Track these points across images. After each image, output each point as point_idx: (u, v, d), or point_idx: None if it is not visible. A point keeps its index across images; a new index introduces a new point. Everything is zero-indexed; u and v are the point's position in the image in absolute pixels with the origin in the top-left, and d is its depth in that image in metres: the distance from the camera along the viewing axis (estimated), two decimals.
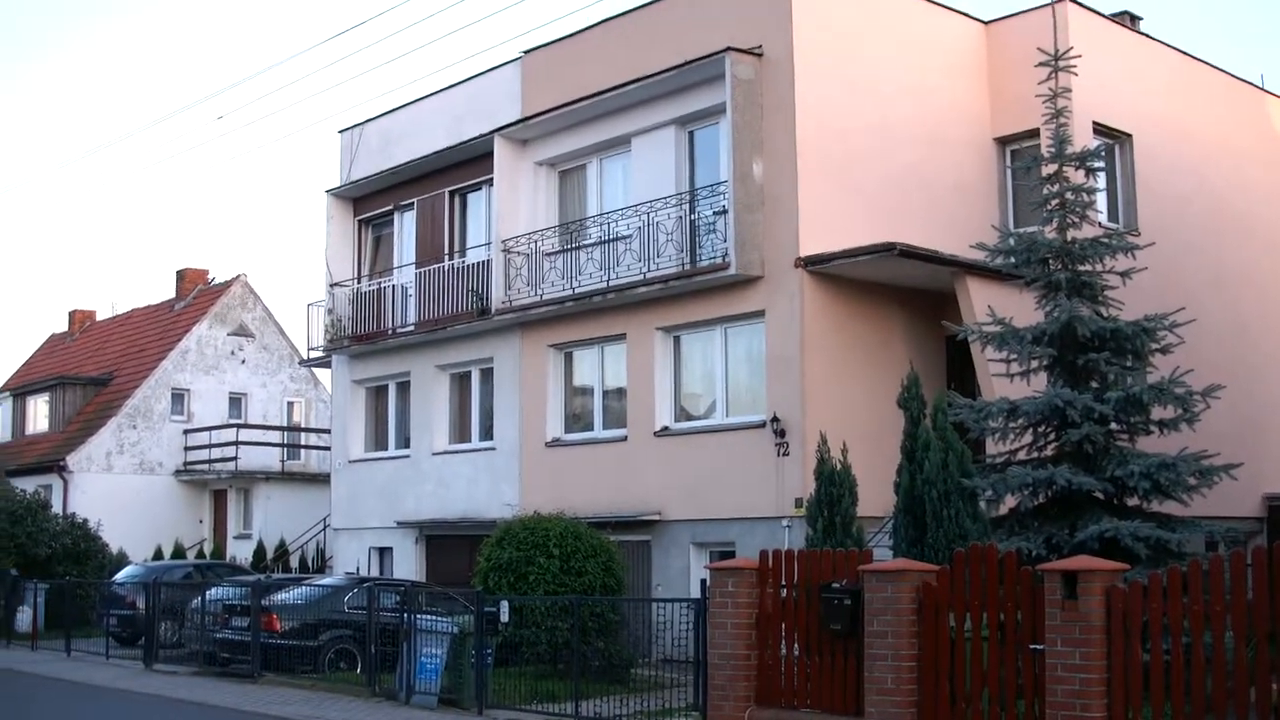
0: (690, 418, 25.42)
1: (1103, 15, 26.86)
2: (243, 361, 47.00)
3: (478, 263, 29.23)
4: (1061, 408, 17.44)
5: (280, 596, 23.93)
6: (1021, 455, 18.46)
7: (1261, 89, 30.66)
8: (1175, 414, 18.02)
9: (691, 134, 25.76)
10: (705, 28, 24.78)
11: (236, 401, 46.57)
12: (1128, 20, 28.71)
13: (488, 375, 29.37)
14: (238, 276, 47.93)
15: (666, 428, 25.16)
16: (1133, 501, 17.83)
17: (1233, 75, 29.87)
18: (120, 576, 31.30)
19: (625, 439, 25.80)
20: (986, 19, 26.93)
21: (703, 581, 16.72)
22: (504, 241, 27.85)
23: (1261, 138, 30.31)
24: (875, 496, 19.68)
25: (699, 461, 24.27)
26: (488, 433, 29.27)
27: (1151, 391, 17.69)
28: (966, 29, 26.54)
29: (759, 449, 22.97)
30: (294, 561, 38.78)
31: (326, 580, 26.75)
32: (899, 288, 24.03)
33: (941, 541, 16.94)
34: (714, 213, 24.32)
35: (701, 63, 24.19)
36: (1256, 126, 30.25)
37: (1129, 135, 26.41)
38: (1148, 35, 28.50)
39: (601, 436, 26.62)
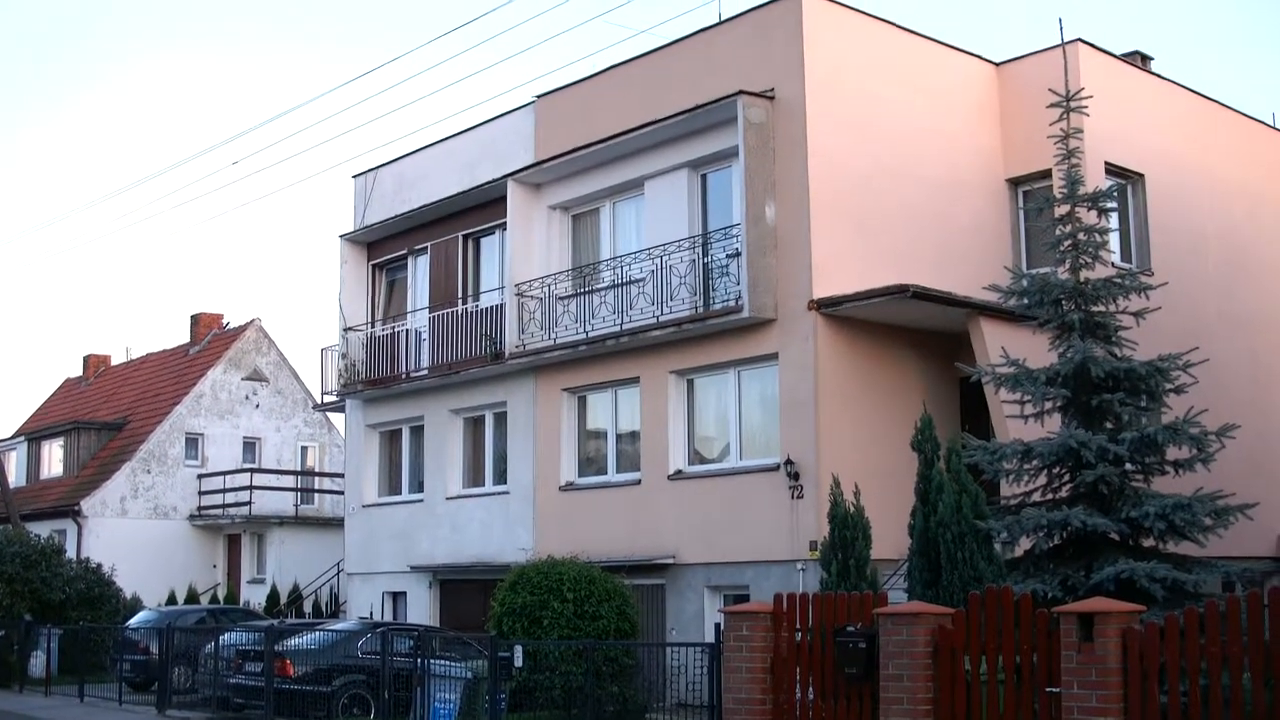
0: (704, 461, 25.37)
1: (1114, 55, 26.92)
2: (257, 406, 47.08)
3: (491, 306, 29.26)
4: (1076, 449, 17.38)
5: (293, 642, 23.85)
6: (1036, 497, 18.40)
7: (1275, 129, 30.66)
8: (1190, 454, 17.98)
9: (704, 177, 25.80)
10: (717, 71, 24.86)
11: (250, 446, 46.62)
12: (1139, 60, 28.74)
13: (501, 419, 29.36)
14: (252, 321, 48.08)
15: (680, 471, 25.10)
16: (1148, 542, 17.77)
17: (1245, 115, 29.88)
18: (134, 621, 31.24)
19: (639, 482, 25.74)
20: (998, 60, 26.96)
21: (717, 625, 16.65)
22: (517, 285, 27.89)
23: (1276, 177, 30.29)
24: (890, 539, 19.61)
25: (713, 505, 24.21)
26: (501, 476, 29.24)
27: (1166, 432, 17.63)
28: (978, 70, 26.60)
29: (773, 492, 22.91)
30: (307, 606, 38.70)
31: (340, 625, 26.67)
32: (912, 329, 24.00)
33: (956, 584, 16.86)
34: (727, 255, 24.34)
35: (714, 106, 24.26)
36: (1271, 166, 30.23)
37: (1141, 175, 26.41)
38: (1159, 75, 28.54)
39: (615, 480, 26.56)
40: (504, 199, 28.52)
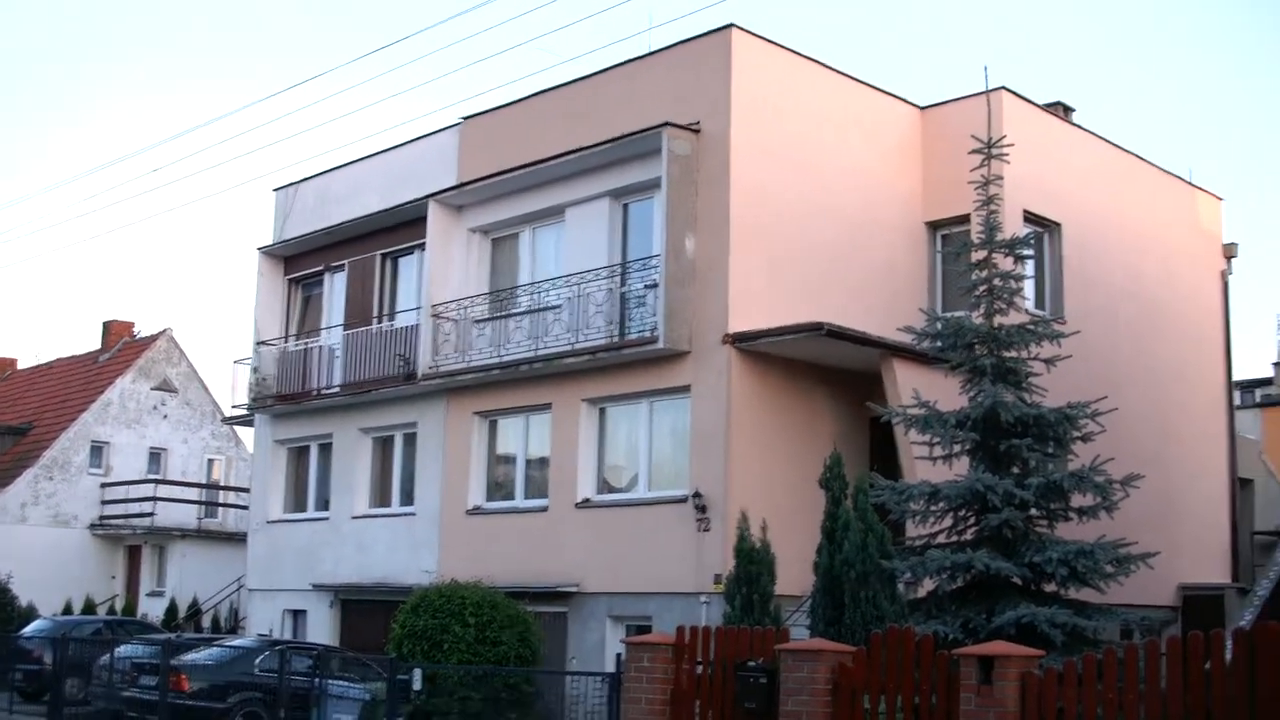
0: (612, 490, 25.29)
1: (1037, 105, 27.21)
2: (165, 417, 46.48)
3: (406, 327, 29.06)
4: (982, 492, 17.49)
5: (190, 656, 23.53)
6: (942, 539, 18.49)
7: (1190, 184, 31.10)
8: (1095, 502, 18.14)
9: (626, 206, 25.77)
10: (644, 102, 24.88)
11: (156, 456, 46.01)
12: (1061, 111, 29.08)
13: (411, 440, 29.15)
14: (164, 331, 47.51)
15: (588, 499, 25.01)
16: (1050, 588, 17.89)
17: (1162, 169, 30.29)
18: (28, 630, 30.67)
19: (546, 509, 25.61)
20: (923, 104, 27.18)
21: (618, 655, 16.57)
22: (433, 306, 27.71)
23: (1189, 231, 30.75)
24: (795, 575, 19.61)
25: (619, 534, 24.14)
26: (408, 498, 29.01)
27: (1072, 479, 17.79)
28: (902, 113, 26.80)
29: (680, 524, 22.86)
30: (206, 621, 38.19)
31: (238, 641, 26.32)
32: (826, 367, 24.08)
33: (859, 622, 16.88)
34: (645, 286, 24.32)
35: (639, 136, 24.25)
36: (1184, 220, 30.69)
37: (1058, 224, 26.68)
38: (1080, 126, 28.87)
39: (523, 506, 26.41)
40: (424, 219, 28.35)
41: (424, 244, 28.47)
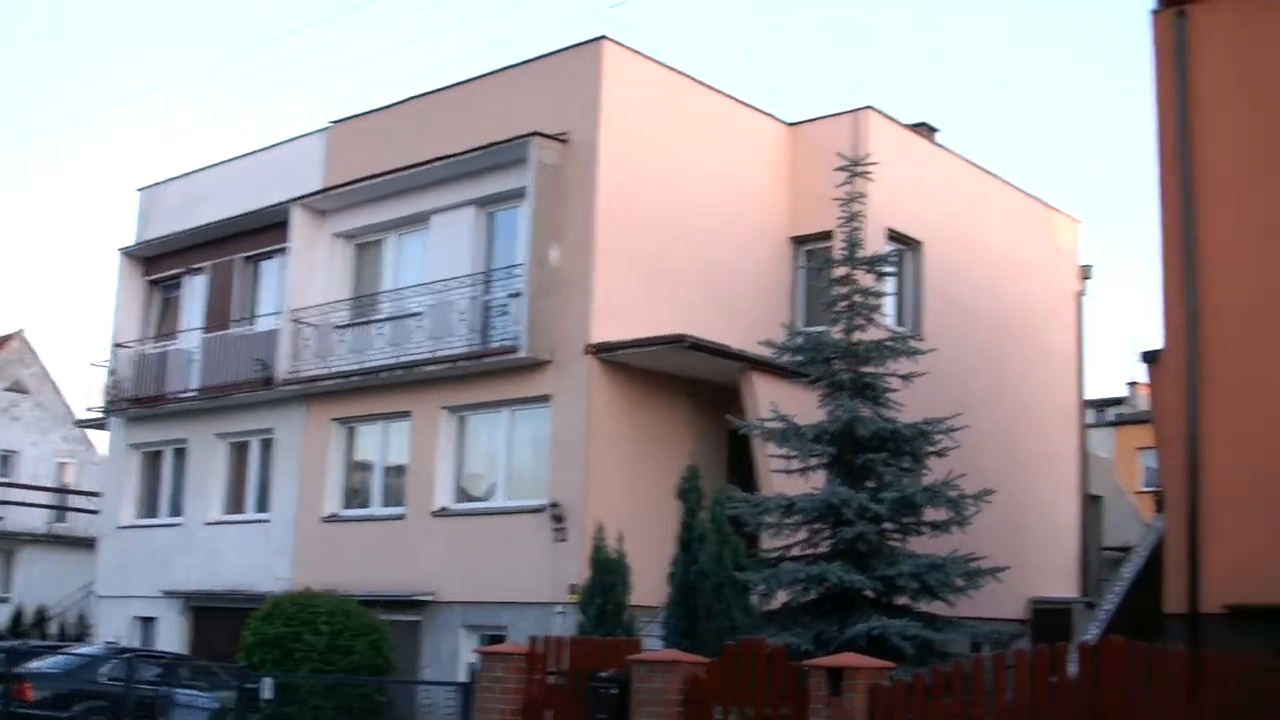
0: (470, 499, 25.16)
1: (902, 125, 27.53)
2: (16, 418, 45.50)
3: (266, 332, 28.68)
4: (837, 506, 17.60)
5: (34, 664, 22.98)
6: (796, 551, 18.57)
7: (1049, 206, 31.64)
8: (948, 516, 18.32)
9: (492, 215, 25.67)
10: (513, 111, 24.79)
11: (6, 459, 45.07)
12: (925, 131, 29.47)
13: (268, 446, 28.76)
14: (17, 331, 46.53)
15: (445, 508, 24.85)
16: (902, 601, 18.03)
17: (1022, 191, 30.78)
18: None
19: (403, 517, 25.42)
20: (791, 121, 27.38)
21: (471, 665, 16.45)
22: (294, 311, 27.39)
23: (1046, 252, 31.27)
24: (652, 586, 19.60)
25: (476, 543, 24.01)
26: (264, 504, 28.62)
27: (925, 494, 17.98)
28: (771, 129, 26.98)
29: (537, 533, 22.79)
30: (54, 628, 37.35)
31: (84, 649, 25.75)
32: (688, 379, 24.15)
33: (712, 634, 16.92)
34: (508, 295, 24.22)
35: (506, 145, 24.20)
36: (1042, 241, 31.20)
37: (920, 242, 27.02)
38: (944, 147, 29.27)
39: (379, 514, 26.19)
40: (288, 223, 28.01)
41: (287, 248, 28.13)
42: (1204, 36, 19.16)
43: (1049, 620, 28.00)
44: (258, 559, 27.88)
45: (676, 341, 22.23)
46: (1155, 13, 19.60)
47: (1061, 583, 30.13)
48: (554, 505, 22.57)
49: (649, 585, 19.52)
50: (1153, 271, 18.94)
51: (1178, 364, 18.63)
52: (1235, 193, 18.60)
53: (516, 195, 24.52)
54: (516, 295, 23.84)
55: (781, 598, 18.64)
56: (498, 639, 21.69)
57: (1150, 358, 20.23)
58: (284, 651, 20.96)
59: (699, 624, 17.33)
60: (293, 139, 29.88)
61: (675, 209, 24.70)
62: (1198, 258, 18.55)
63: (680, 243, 24.67)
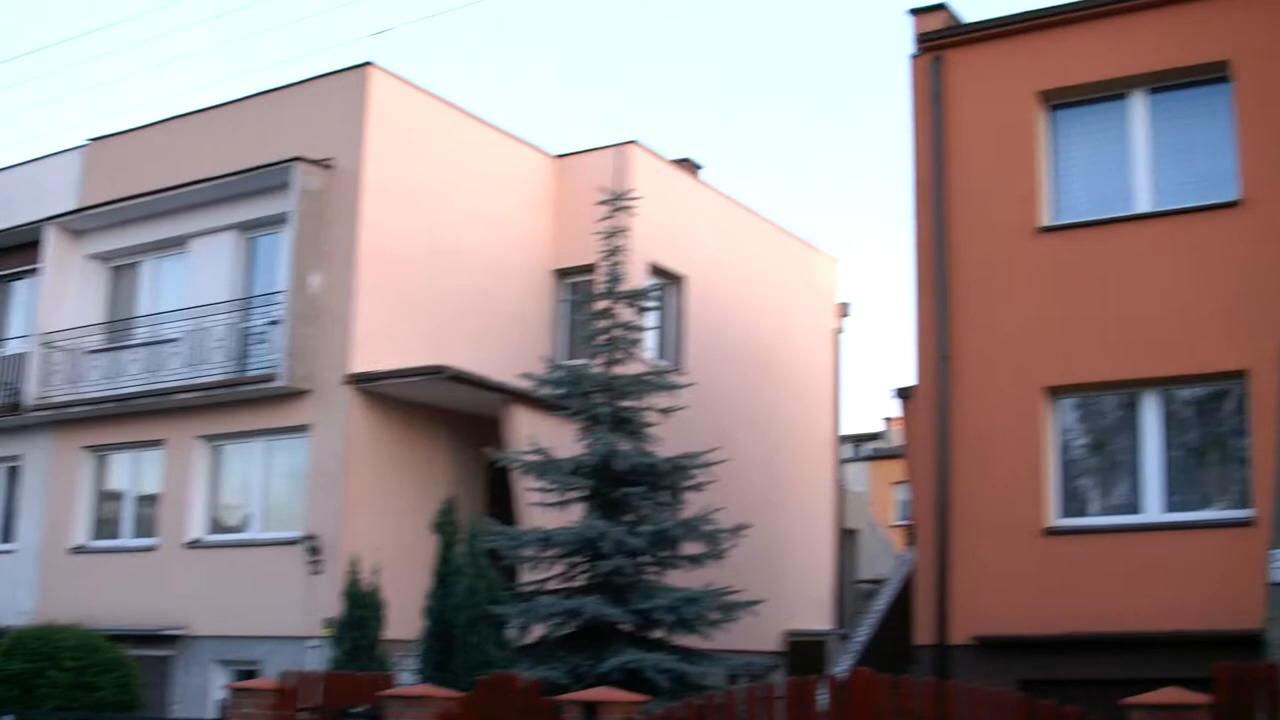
0: (225, 530, 24.62)
1: (666, 161, 27.85)
2: None
3: (14, 355, 27.69)
4: (594, 539, 17.65)
5: None
6: (554, 585, 18.56)
7: (808, 244, 32.27)
8: (704, 549, 18.51)
9: (253, 240, 25.24)
10: (277, 134, 24.44)
11: None
12: (690, 167, 29.87)
13: (15, 474, 27.72)
14: None
15: (198, 540, 24.28)
16: (658, 634, 18.14)
17: (783, 229, 31.36)
18: None
19: (155, 549, 24.75)
20: (557, 153, 27.51)
21: (221, 702, 16.08)
22: (44, 335, 26.53)
23: (805, 289, 31.88)
24: (409, 620, 19.41)
25: (230, 576, 23.49)
26: (8, 534, 27.55)
27: (682, 527, 18.13)
28: (536, 161, 27.05)
29: (292, 566, 22.40)
30: None
31: None
32: (450, 411, 24.03)
33: (467, 668, 16.79)
34: (267, 323, 23.83)
35: (269, 170, 23.83)
36: (801, 278, 31.79)
37: (682, 277, 27.34)
38: (707, 184, 29.68)
39: (130, 545, 25.45)
40: (41, 243, 27.11)
41: (38, 269, 27.22)
42: (960, 81, 19.81)
43: (804, 652, 28.48)
44: (1, 591, 26.84)
45: (437, 373, 22.11)
46: (914, 56, 20.21)
47: (816, 615, 30.69)
48: (310, 537, 22.23)
49: (406, 619, 19.33)
50: (908, 310, 19.48)
51: (928, 401, 19.16)
52: (984, 235, 19.23)
53: (278, 221, 24.15)
54: (276, 323, 23.46)
55: (538, 631, 18.61)
56: (250, 674, 21.26)
57: (903, 394, 20.75)
58: (26, 689, 20.16)
59: (454, 658, 17.19)
60: (48, 156, 28.97)
61: (439, 238, 24.59)
62: (949, 298, 19.13)
63: (444, 273, 24.57)
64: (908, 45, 20.21)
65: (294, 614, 22.18)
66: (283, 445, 23.80)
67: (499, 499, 23.66)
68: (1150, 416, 18.16)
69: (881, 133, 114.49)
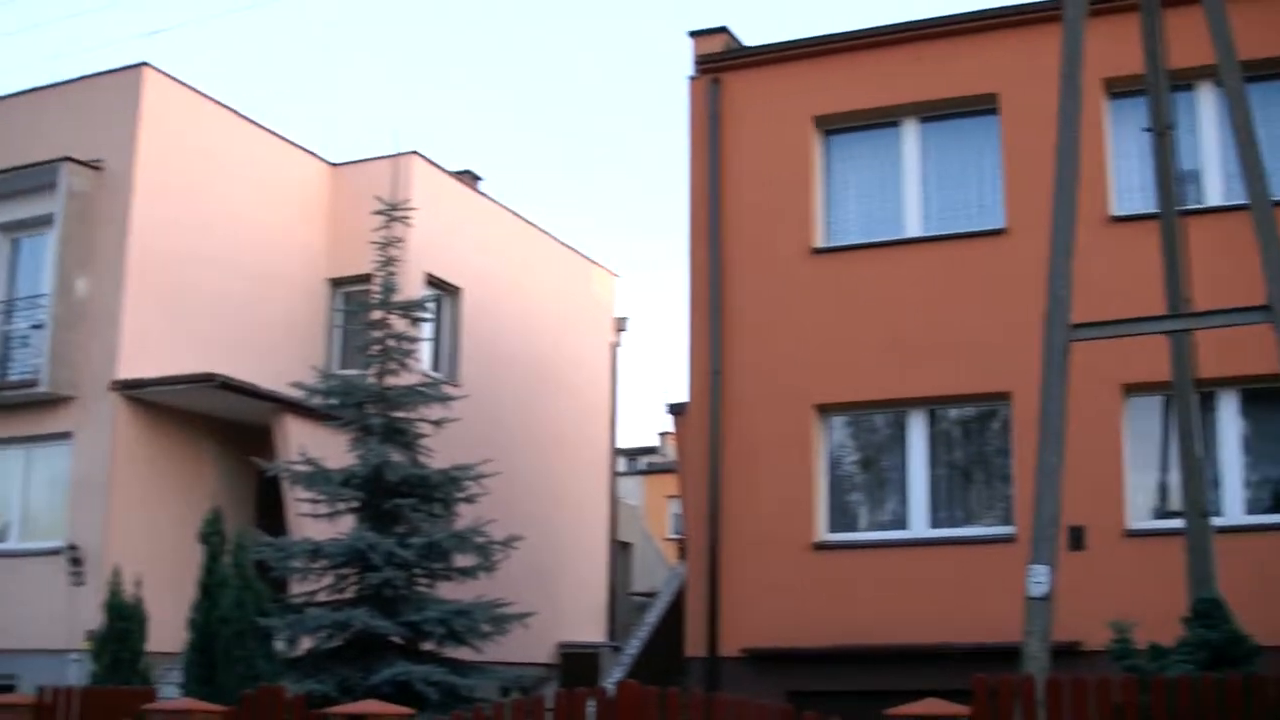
0: None
1: (446, 171, 27.75)
2: None
3: None
4: (364, 551, 17.48)
5: None
6: (324, 596, 18.34)
7: (587, 258, 32.44)
8: (476, 562, 18.48)
9: (17, 241, 24.49)
10: (45, 133, 23.80)
11: None
12: (469, 179, 29.82)
13: None
14: None
15: None
16: (429, 646, 18.05)
17: (562, 242, 31.46)
18: None
19: None
20: (335, 161, 27.22)
21: None
22: None
23: (584, 304, 32.04)
24: (175, 632, 18.94)
25: None
26: None
27: (453, 539, 18.08)
28: (313, 168, 26.77)
29: (53, 577, 21.75)
30: None
31: None
32: (220, 420, 23.62)
33: (233, 682, 16.45)
34: (31, 326, 23.14)
35: (34, 169, 23.18)
36: (580, 293, 31.95)
37: (459, 289, 27.25)
38: (487, 196, 29.66)
39: None
40: None
41: None
42: (737, 103, 20.14)
43: (577, 665, 28.55)
44: None
45: (206, 380, 21.72)
46: (692, 78, 20.48)
47: (590, 628, 30.84)
48: (72, 548, 21.64)
49: (171, 631, 18.84)
50: (684, 326, 19.74)
51: (701, 416, 19.42)
52: (759, 254, 19.58)
53: (44, 222, 23.50)
54: (39, 327, 22.81)
55: (307, 644, 18.37)
56: (8, 689, 20.56)
57: (676, 409, 21.01)
58: None
59: (219, 672, 16.83)
60: None
61: (212, 243, 24.17)
62: (723, 315, 19.43)
63: (216, 278, 24.15)
64: (688, 67, 20.48)
65: (54, 626, 21.53)
66: (44, 452, 23.10)
67: (269, 510, 23.27)
68: (917, 435, 18.68)
69: (664, 151, 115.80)
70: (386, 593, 17.65)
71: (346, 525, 18.79)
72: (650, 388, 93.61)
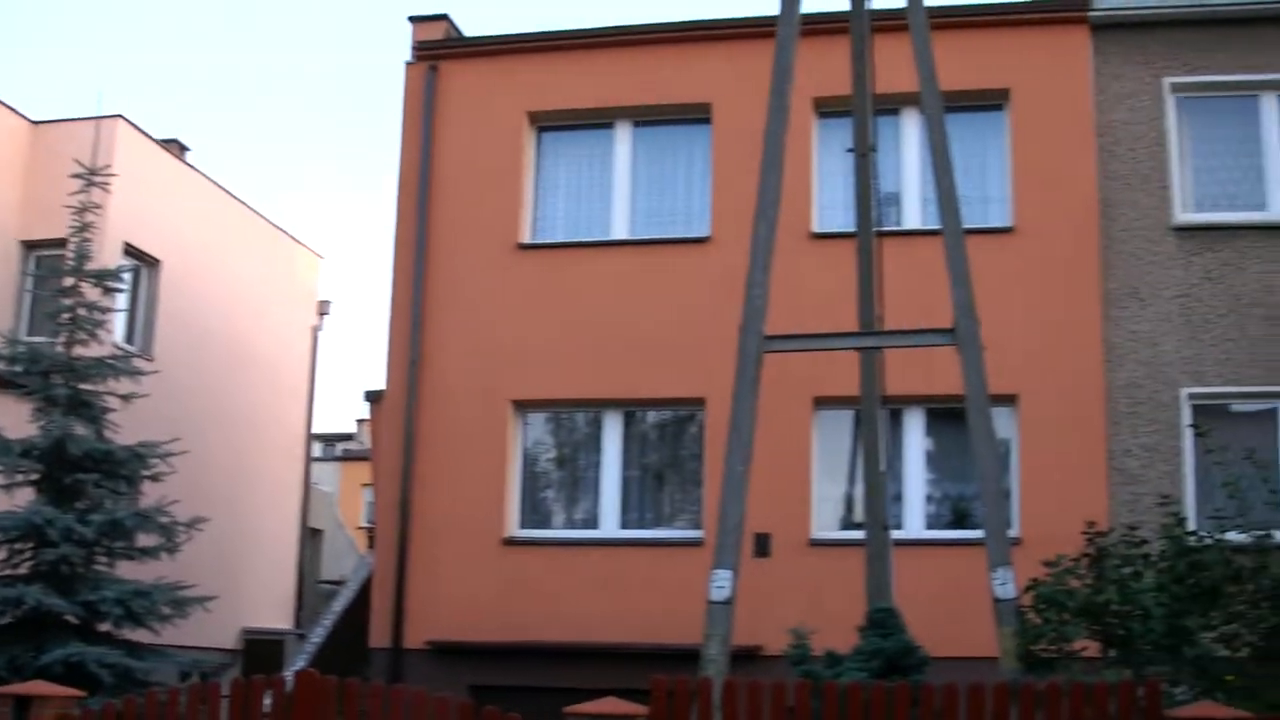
0: None
1: (153, 139, 26.89)
2: None
3: None
4: (41, 526, 16.88)
5: None
6: None
7: (293, 238, 31.81)
8: (159, 542, 18.04)
9: None
10: None
11: None
12: (177, 149, 28.97)
13: None
14: None
15: None
16: (105, 627, 17.55)
17: (269, 220, 30.78)
18: None
19: None
20: (36, 119, 26.11)
21: None
22: None
23: (288, 283, 31.37)
24: None
25: None
26: None
27: (136, 518, 17.65)
28: (12, 124, 25.57)
29: None
30: None
31: None
32: None
33: None
34: None
35: None
36: (284, 272, 31.29)
37: (159, 261, 26.41)
38: (194, 167, 28.84)
39: None
40: None
41: None
42: (453, 93, 20.08)
43: (261, 651, 28.02)
44: None
45: None
46: (409, 64, 20.35)
47: (277, 614, 30.28)
48: None
49: None
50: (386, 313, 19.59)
51: (397, 405, 19.32)
52: (465, 246, 19.57)
53: None
54: None
55: None
56: None
57: (374, 397, 20.84)
58: None
59: None
60: None
61: None
62: (424, 304, 19.36)
63: None
64: (405, 52, 20.34)
65: None
66: None
67: None
68: (611, 436, 18.92)
69: (380, 135, 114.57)
70: (63, 570, 17.10)
71: (25, 499, 18.11)
72: (351, 374, 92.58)
